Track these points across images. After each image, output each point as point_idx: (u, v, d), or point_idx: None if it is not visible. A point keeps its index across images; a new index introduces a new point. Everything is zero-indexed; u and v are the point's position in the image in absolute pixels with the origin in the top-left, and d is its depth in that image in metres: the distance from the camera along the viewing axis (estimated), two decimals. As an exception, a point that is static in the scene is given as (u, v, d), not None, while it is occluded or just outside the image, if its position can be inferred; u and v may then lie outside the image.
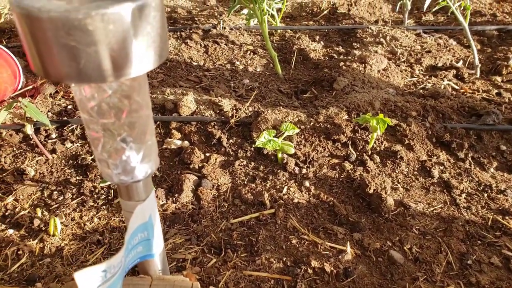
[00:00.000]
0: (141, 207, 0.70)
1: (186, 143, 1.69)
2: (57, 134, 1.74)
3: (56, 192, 1.48)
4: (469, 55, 2.46)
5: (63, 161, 1.62)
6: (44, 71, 0.50)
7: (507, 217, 1.41)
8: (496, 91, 2.15)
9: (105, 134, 0.60)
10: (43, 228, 1.34)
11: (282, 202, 1.43)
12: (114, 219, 1.37)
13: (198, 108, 1.80)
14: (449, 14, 3.08)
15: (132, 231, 0.70)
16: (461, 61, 2.43)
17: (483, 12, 3.10)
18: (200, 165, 1.59)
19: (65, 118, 1.79)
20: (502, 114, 1.86)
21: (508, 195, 1.49)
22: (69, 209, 1.41)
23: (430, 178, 1.57)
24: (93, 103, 0.56)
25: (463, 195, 1.50)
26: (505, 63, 2.36)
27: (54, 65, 0.49)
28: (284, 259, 1.23)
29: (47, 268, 1.21)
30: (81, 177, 1.55)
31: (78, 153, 1.65)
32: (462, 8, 2.47)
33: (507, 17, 2.99)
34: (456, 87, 2.18)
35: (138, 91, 0.58)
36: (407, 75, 2.28)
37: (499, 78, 2.28)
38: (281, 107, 1.81)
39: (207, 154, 1.65)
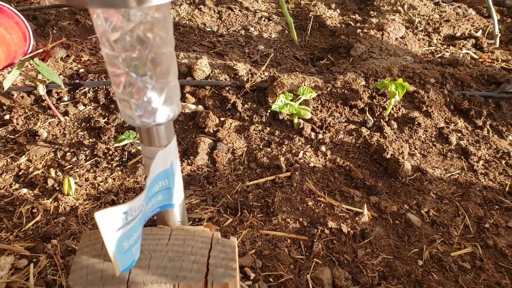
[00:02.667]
0: (163, 152, 0.69)
1: (201, 107, 1.67)
2: (69, 97, 1.72)
3: (70, 153, 1.47)
4: (489, 25, 2.39)
5: (75, 123, 1.61)
6: (67, -5, 0.48)
7: (526, 184, 1.38)
8: (516, 60, 2.09)
9: (128, 70, 0.58)
10: (57, 188, 1.33)
11: (298, 166, 1.41)
12: (128, 180, 1.37)
13: (213, 72, 1.77)
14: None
15: (154, 177, 0.69)
16: (480, 31, 2.37)
17: (504, -18, 3.00)
18: (215, 129, 1.57)
19: (77, 81, 1.77)
20: (523, 83, 1.82)
21: (527, 163, 1.46)
22: (82, 170, 1.40)
23: (447, 145, 1.55)
24: (116, 35, 0.54)
25: (481, 162, 1.47)
26: (526, 32, 2.29)
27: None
28: (301, 219, 1.22)
29: (62, 226, 1.21)
30: (94, 139, 1.54)
31: (91, 116, 1.63)
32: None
33: (529, -13, 2.89)
34: (475, 56, 2.13)
35: (162, 25, 0.56)
36: (424, 44, 2.23)
37: (519, 48, 2.22)
38: (297, 73, 1.78)
39: (222, 119, 1.63)
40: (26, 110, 1.64)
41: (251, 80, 1.73)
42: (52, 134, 1.55)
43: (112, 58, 0.57)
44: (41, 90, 1.50)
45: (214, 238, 0.79)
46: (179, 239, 0.78)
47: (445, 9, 2.51)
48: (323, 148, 1.50)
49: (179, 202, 0.81)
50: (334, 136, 1.56)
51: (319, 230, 1.18)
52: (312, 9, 2.51)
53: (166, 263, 0.75)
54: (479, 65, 1.96)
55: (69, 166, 1.42)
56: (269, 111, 1.64)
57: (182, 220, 0.85)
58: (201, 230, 0.80)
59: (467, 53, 2.14)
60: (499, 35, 2.24)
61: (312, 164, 1.43)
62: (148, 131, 0.68)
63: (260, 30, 2.30)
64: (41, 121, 1.60)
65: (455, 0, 2.67)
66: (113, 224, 0.61)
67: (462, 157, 1.49)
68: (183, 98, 1.70)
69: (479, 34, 2.32)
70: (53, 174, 1.38)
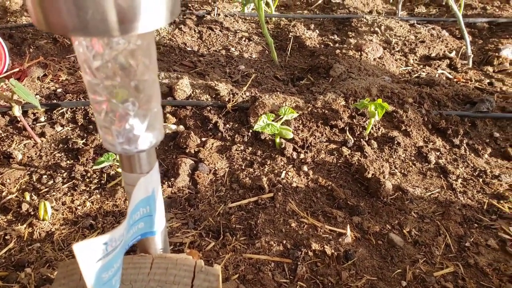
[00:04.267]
0: (145, 180, 0.67)
1: (182, 127, 1.66)
2: (46, 118, 1.68)
3: (46, 176, 1.43)
4: (461, 46, 2.46)
5: (52, 145, 1.57)
6: (48, 23, 0.47)
7: (502, 201, 1.41)
8: (488, 80, 2.15)
9: (110, 98, 0.57)
10: (32, 213, 1.29)
11: (281, 186, 1.41)
12: (107, 203, 1.34)
13: (194, 92, 1.76)
14: (440, 7, 3.09)
15: (135, 205, 0.67)
16: (454, 52, 2.44)
17: (474, 5, 3.12)
18: (196, 150, 1.55)
19: (55, 101, 1.74)
20: (495, 103, 1.87)
21: (502, 180, 1.49)
22: (59, 193, 1.36)
23: (426, 164, 1.57)
24: (98, 63, 0.53)
25: (459, 180, 1.49)
26: (496, 54, 2.37)
27: (60, 15, 0.45)
28: (284, 242, 1.21)
29: (36, 253, 1.17)
30: (72, 161, 1.50)
31: (69, 137, 1.60)
32: (456, -3, 2.47)
33: (497, 10, 3.00)
34: (450, 76, 2.18)
35: (145, 52, 0.55)
36: (402, 64, 2.28)
37: (490, 69, 2.29)
38: (278, 93, 1.79)
39: (203, 139, 1.62)
40: (0, 131, 1.60)
41: (232, 100, 1.73)
42: (27, 156, 1.51)
43: (93, 85, 0.56)
44: (17, 111, 1.46)
45: (197, 266, 0.77)
46: (161, 268, 0.76)
47: (420, 30, 2.58)
48: (305, 168, 1.51)
49: (160, 229, 0.79)
50: (315, 155, 1.57)
51: (302, 253, 1.17)
52: (291, 30, 2.54)
53: (148, 293, 0.72)
54: (454, 85, 2.01)
55: (45, 190, 1.38)
56: (251, 131, 1.64)
57: (163, 247, 0.83)
58: (184, 258, 0.78)
59: (442, 73, 2.19)
60: (472, 55, 2.31)
61: (294, 184, 1.43)
62: (130, 158, 0.66)
63: (241, 50, 2.31)
64: (16, 143, 1.56)
65: (429, 22, 2.75)
66: (92, 255, 0.59)
67: (441, 176, 1.51)
68: (163, 119, 1.68)
69: (453, 54, 2.39)
70: (28, 198, 1.34)
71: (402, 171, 1.53)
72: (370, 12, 2.98)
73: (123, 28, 0.47)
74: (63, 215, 1.29)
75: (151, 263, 0.77)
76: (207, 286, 0.74)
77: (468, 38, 2.29)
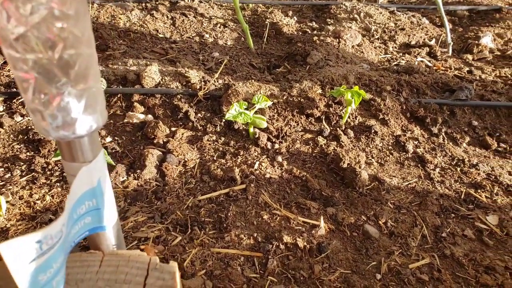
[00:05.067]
0: (87, 169, 0.60)
1: (150, 117, 1.58)
2: (4, 107, 1.59)
3: (3, 169, 1.35)
4: (441, 34, 2.43)
5: (11, 135, 1.48)
6: None
7: (479, 191, 1.38)
8: (468, 69, 2.12)
9: (37, 75, 0.49)
10: (-13, 208, 1.21)
11: (254, 177, 1.35)
12: (69, 197, 1.25)
13: (163, 80, 1.68)
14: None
15: (77, 198, 0.60)
16: (434, 40, 2.40)
17: (455, -7, 3.08)
18: (165, 140, 1.48)
19: (15, 90, 1.64)
20: (474, 91, 1.83)
21: (480, 169, 1.46)
22: (17, 187, 1.28)
23: (404, 153, 1.53)
24: (17, 32, 0.46)
25: (437, 170, 1.46)
26: (476, 42, 2.34)
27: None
28: (255, 235, 1.15)
29: (-9, 250, 1.09)
30: (32, 153, 1.42)
31: (29, 127, 1.51)
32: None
33: (478, -3, 2.98)
34: (430, 64, 2.15)
35: (75, 20, 0.48)
36: (381, 52, 2.23)
37: (470, 57, 2.26)
38: (253, 81, 1.72)
39: (173, 129, 1.55)
40: (-44, 122, 1.50)
41: (204, 88, 1.65)
42: (-16, 148, 1.42)
43: (16, 60, 0.49)
44: (-29, 99, 1.36)
45: (151, 263, 0.70)
46: (111, 266, 0.70)
47: (400, 18, 2.54)
48: (280, 159, 1.45)
49: (111, 224, 0.72)
50: (290, 145, 1.51)
51: (274, 246, 1.11)
52: (268, 16, 2.47)
53: (94, 294, 0.66)
54: (434, 73, 1.97)
55: (1, 183, 1.29)
56: (223, 120, 1.57)
57: (117, 244, 0.76)
58: (137, 255, 0.71)
59: (422, 61, 2.15)
60: (452, 43, 2.28)
61: (268, 176, 1.37)
62: (69, 144, 0.59)
63: (216, 37, 2.24)
64: (-27, 134, 1.46)
65: (409, 9, 2.71)
66: (23, 256, 0.52)
67: (419, 165, 1.47)
68: (131, 108, 1.60)
69: (432, 42, 2.35)
70: (-18, 192, 1.25)
71: (379, 160, 1.49)
72: None
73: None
74: (20, 210, 1.21)
75: (100, 260, 0.70)
76: (161, 285, 0.67)
77: (448, 25, 2.26)
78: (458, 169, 1.46)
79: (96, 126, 0.58)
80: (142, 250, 0.74)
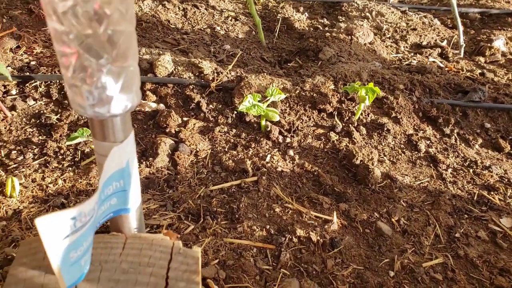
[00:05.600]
0: (118, 149, 0.60)
1: (162, 106, 1.57)
2: (17, 91, 1.58)
3: (15, 151, 1.34)
4: (453, 35, 2.42)
5: (24, 119, 1.47)
6: None
7: (492, 193, 1.37)
8: (480, 71, 2.12)
9: (80, 50, 0.49)
10: (-1, 189, 1.20)
11: (265, 170, 1.34)
12: (81, 182, 1.25)
13: (176, 70, 1.67)
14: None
15: (107, 177, 0.60)
16: (446, 41, 2.40)
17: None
18: (177, 130, 1.47)
19: (28, 74, 1.63)
20: (487, 93, 1.83)
21: (493, 172, 1.46)
22: (29, 169, 1.27)
23: (416, 152, 1.52)
24: (66, 5, 0.45)
25: (449, 170, 1.45)
26: (488, 44, 2.34)
27: None
28: (267, 227, 1.15)
29: (2, 232, 1.08)
30: (45, 137, 1.41)
31: (42, 111, 1.50)
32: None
33: (489, 1, 2.97)
34: (441, 65, 2.14)
35: (121, -3, 0.47)
36: (392, 51, 2.23)
37: (482, 59, 2.26)
38: (265, 74, 1.71)
39: (185, 119, 1.54)
40: (-33, 103, 1.49)
41: (216, 79, 1.65)
42: (-4, 130, 1.41)
43: (60, 34, 0.48)
44: (-15, 80, 1.35)
45: (174, 247, 0.70)
46: (134, 249, 0.69)
47: (411, 18, 2.53)
48: (291, 152, 1.44)
49: (135, 207, 0.71)
50: (302, 140, 1.51)
51: (287, 239, 1.11)
52: (280, 11, 2.46)
53: (119, 276, 0.65)
54: (446, 74, 1.97)
55: (14, 166, 1.28)
56: (235, 112, 1.57)
57: (138, 227, 0.75)
58: (160, 239, 0.71)
59: (433, 62, 2.15)
60: (464, 45, 2.27)
61: (279, 169, 1.37)
62: (102, 123, 0.59)
63: (227, 30, 2.23)
64: (-16, 116, 1.45)
65: (420, 10, 2.70)
66: (58, 232, 0.52)
67: (431, 165, 1.47)
68: (143, 96, 1.59)
69: (444, 43, 2.35)
70: (-6, 173, 1.24)
71: (391, 158, 1.48)
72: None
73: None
74: (32, 192, 1.20)
75: (123, 243, 0.70)
76: (185, 270, 0.67)
77: (461, 27, 2.25)
78: (471, 170, 1.46)
79: (131, 105, 0.57)
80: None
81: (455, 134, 1.62)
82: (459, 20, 2.24)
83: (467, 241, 1.18)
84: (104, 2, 0.46)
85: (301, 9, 2.56)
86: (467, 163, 1.49)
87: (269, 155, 1.41)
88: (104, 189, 0.61)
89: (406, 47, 2.29)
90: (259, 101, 1.45)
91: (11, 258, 1.02)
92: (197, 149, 1.42)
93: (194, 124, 1.51)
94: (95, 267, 0.66)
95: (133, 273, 0.65)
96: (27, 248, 0.69)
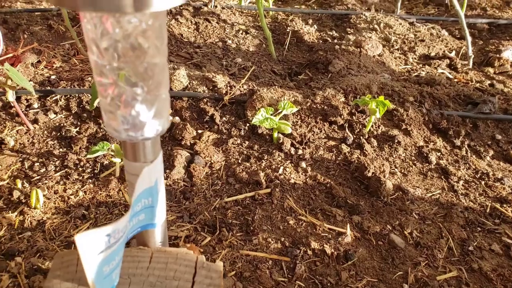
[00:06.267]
0: (148, 169, 0.63)
1: (177, 119, 1.62)
2: (39, 104, 1.63)
3: (38, 163, 1.39)
4: (461, 46, 2.45)
5: (45, 132, 1.52)
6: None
7: (505, 205, 1.39)
8: (489, 82, 2.14)
9: (117, 80, 0.53)
10: (23, 201, 1.24)
11: (278, 182, 1.38)
12: (100, 194, 1.29)
13: (191, 84, 1.72)
14: (438, 7, 3.08)
15: (137, 195, 0.64)
16: (454, 52, 2.42)
17: (474, 6, 3.10)
18: (192, 142, 1.52)
19: (49, 88, 1.69)
20: (497, 104, 1.85)
21: (505, 184, 1.48)
22: (52, 181, 1.32)
23: (427, 164, 1.55)
24: (107, 42, 0.49)
25: (461, 182, 1.47)
26: (497, 55, 2.36)
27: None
28: (282, 239, 1.18)
29: (27, 243, 1.13)
30: (65, 149, 1.46)
31: (62, 124, 1.55)
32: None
33: (497, 11, 3.00)
34: (450, 76, 2.17)
35: (158, 33, 0.51)
36: (401, 62, 2.26)
37: (491, 70, 2.28)
38: (276, 87, 1.75)
39: (199, 131, 1.58)
40: (-9, 117, 1.54)
41: (230, 93, 1.69)
42: (19, 143, 1.46)
43: (100, 66, 0.52)
44: (11, 96, 1.41)
45: (198, 261, 0.74)
46: (160, 262, 0.73)
47: (419, 29, 2.56)
48: (303, 164, 1.48)
49: (161, 222, 0.75)
50: (314, 152, 1.54)
51: (301, 251, 1.14)
52: (289, 24, 2.51)
53: (146, 289, 0.69)
54: (455, 85, 1.99)
55: (37, 178, 1.33)
56: (248, 124, 1.60)
57: (163, 241, 0.79)
58: (185, 253, 0.75)
59: (442, 73, 2.18)
60: (472, 56, 2.30)
61: (292, 181, 1.40)
62: (134, 145, 0.63)
63: (238, 43, 2.27)
64: (9, 129, 1.50)
65: (428, 21, 2.73)
66: (94, 247, 0.56)
67: (442, 177, 1.49)
68: (160, 109, 1.64)
69: (453, 54, 2.38)
70: (19, 185, 1.29)
71: (403, 170, 1.51)
72: (369, 9, 2.95)
73: (137, 4, 0.43)
74: (55, 204, 1.24)
75: (150, 257, 0.74)
76: (209, 283, 0.70)
77: (469, 38, 2.28)
78: (483, 182, 1.48)
79: (162, 129, 0.61)
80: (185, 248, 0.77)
81: (466, 146, 1.64)
82: (467, 30, 2.27)
83: (481, 254, 1.20)
84: (142, 38, 0.50)
85: (310, 21, 2.60)
86: (478, 175, 1.51)
87: (281, 167, 1.45)
88: (134, 206, 0.65)
89: (415, 58, 2.32)
90: (271, 114, 1.49)
91: (37, 268, 1.06)
92: (212, 161, 1.46)
93: (208, 136, 1.55)
94: (124, 280, 0.69)
95: (160, 287, 0.69)
96: (60, 261, 0.72)
